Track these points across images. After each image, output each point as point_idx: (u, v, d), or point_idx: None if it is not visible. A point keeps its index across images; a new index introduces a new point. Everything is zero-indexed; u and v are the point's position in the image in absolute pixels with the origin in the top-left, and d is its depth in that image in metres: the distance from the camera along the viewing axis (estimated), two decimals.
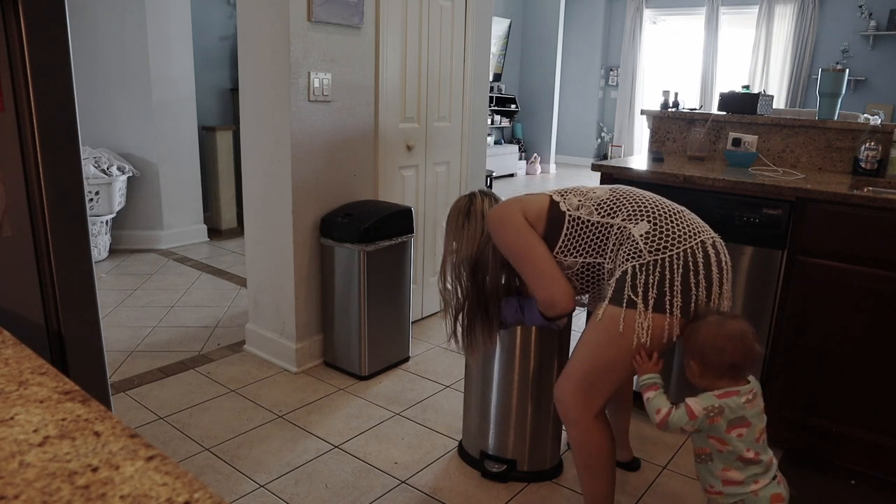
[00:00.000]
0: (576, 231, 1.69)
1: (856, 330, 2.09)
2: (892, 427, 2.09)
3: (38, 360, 0.73)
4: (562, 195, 1.75)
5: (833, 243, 2.10)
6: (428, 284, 3.47)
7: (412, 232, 2.87)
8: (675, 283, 1.55)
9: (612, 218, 1.66)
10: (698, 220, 1.68)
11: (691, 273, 1.56)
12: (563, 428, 2.23)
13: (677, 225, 1.61)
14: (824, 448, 2.22)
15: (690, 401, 1.52)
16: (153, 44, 4.48)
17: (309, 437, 2.33)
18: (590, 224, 1.68)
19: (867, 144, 2.53)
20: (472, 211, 1.90)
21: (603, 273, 1.70)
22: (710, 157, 2.93)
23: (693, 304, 1.56)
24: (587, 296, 1.83)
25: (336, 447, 2.27)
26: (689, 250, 1.57)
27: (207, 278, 4.13)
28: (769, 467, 1.54)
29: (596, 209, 1.69)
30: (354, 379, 2.79)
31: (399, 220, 2.79)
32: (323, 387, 2.72)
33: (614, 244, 1.64)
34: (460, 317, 1.97)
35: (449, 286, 1.96)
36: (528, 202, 1.76)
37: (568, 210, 1.71)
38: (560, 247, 1.71)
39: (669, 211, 1.65)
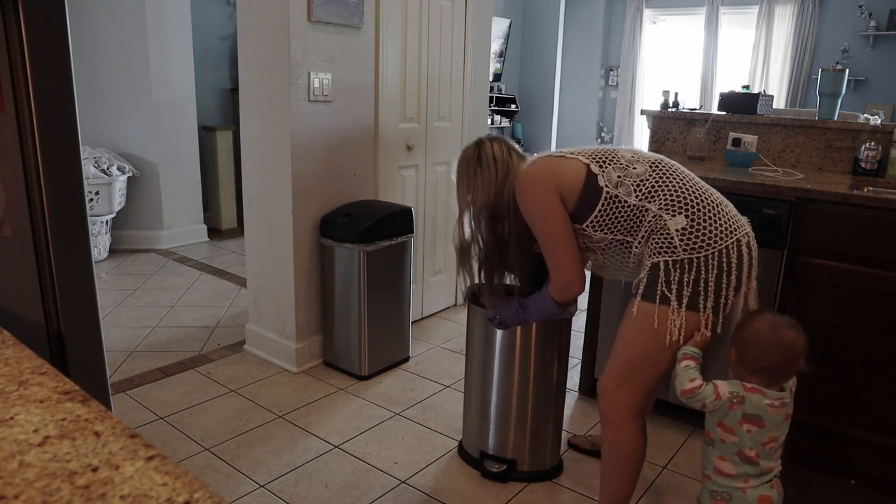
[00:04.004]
0: (611, 209, 1.64)
1: (856, 330, 2.09)
2: (892, 427, 2.08)
3: (38, 360, 0.73)
4: (600, 166, 1.66)
5: (833, 243, 2.10)
6: (428, 284, 3.47)
7: (412, 232, 2.87)
8: (710, 283, 1.55)
9: (650, 202, 1.61)
10: (735, 214, 1.65)
11: (724, 273, 1.55)
12: (564, 428, 2.24)
13: (714, 222, 1.58)
14: (824, 448, 2.22)
15: (719, 382, 1.53)
16: (153, 44, 4.48)
17: (309, 437, 2.33)
18: (627, 206, 1.63)
19: (867, 144, 2.53)
20: (482, 157, 1.81)
21: (629, 251, 1.67)
22: (710, 157, 2.93)
23: (722, 303, 1.57)
24: (592, 258, 1.81)
25: (336, 447, 2.27)
26: (723, 250, 1.56)
27: (207, 278, 4.13)
28: (765, 473, 1.54)
29: (635, 189, 1.63)
30: (354, 379, 2.79)
31: (399, 220, 2.79)
32: (323, 387, 2.71)
33: (647, 230, 1.61)
34: (481, 266, 1.93)
35: (467, 237, 1.89)
36: (564, 172, 1.67)
37: (606, 186, 1.64)
38: (591, 221, 1.66)
39: (708, 204, 1.60)
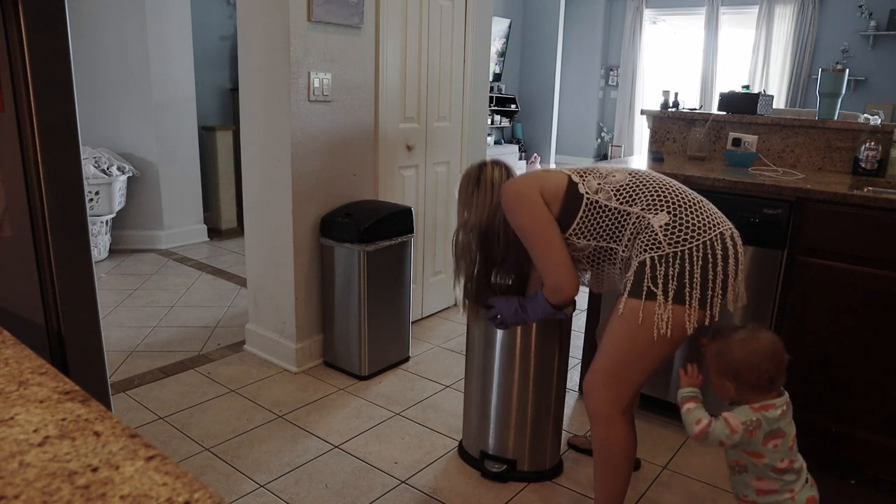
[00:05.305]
0: (592, 215, 1.68)
1: (856, 330, 2.09)
2: (892, 427, 2.08)
3: (38, 360, 0.73)
4: (581, 175, 1.73)
5: (833, 243, 2.10)
6: (428, 284, 3.47)
7: (412, 232, 2.87)
8: (695, 276, 1.56)
9: (631, 206, 1.65)
10: (716, 210, 1.67)
11: (710, 265, 1.57)
12: (564, 428, 2.24)
13: (697, 216, 1.61)
14: (824, 448, 2.22)
15: (728, 415, 1.49)
16: (153, 44, 4.48)
17: (309, 437, 2.33)
18: (607, 210, 1.67)
19: (867, 144, 2.53)
20: (482, 180, 1.88)
21: (615, 258, 1.69)
22: (710, 157, 2.93)
23: (710, 296, 1.57)
24: (589, 274, 1.83)
25: (336, 447, 2.27)
26: (708, 242, 1.58)
27: (207, 278, 4.13)
28: (801, 472, 1.54)
29: (615, 194, 1.68)
30: (354, 379, 2.79)
31: (399, 220, 2.79)
32: (323, 387, 2.72)
33: (631, 233, 1.64)
34: (469, 283, 1.97)
35: (462, 249, 1.95)
36: (546, 180, 1.73)
37: (586, 193, 1.69)
38: (574, 229, 1.70)
39: (689, 201, 1.64)
